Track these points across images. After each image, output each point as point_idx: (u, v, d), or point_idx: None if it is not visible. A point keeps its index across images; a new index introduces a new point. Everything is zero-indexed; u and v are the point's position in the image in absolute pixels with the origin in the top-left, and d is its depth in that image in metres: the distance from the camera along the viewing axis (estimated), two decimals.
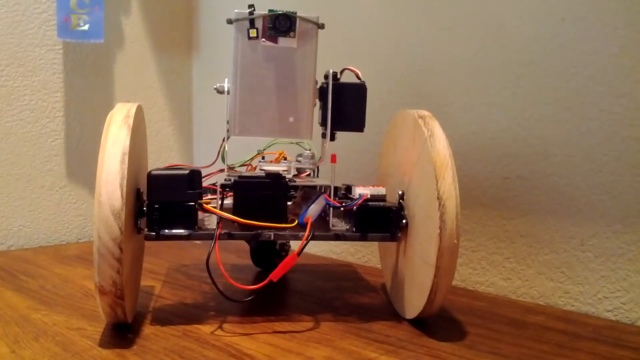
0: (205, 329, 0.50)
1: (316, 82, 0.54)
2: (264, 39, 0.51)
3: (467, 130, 0.70)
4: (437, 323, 0.53)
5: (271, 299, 0.61)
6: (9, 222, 0.87)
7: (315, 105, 0.54)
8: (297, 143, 0.62)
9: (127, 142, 0.46)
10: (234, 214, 0.51)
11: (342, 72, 0.55)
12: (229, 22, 0.51)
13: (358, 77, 0.55)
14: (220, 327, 0.51)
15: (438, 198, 0.46)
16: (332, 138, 0.54)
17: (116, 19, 0.98)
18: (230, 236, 0.50)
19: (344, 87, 0.54)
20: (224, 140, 0.54)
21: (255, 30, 0.51)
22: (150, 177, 0.49)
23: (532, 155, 0.64)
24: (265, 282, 0.48)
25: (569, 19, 0.61)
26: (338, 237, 0.52)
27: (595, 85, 0.59)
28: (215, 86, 0.53)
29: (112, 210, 0.43)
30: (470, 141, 0.69)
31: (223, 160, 0.55)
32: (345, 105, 0.54)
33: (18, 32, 0.86)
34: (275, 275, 0.49)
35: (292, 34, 0.51)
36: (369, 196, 0.53)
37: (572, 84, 0.61)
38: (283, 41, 0.51)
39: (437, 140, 0.49)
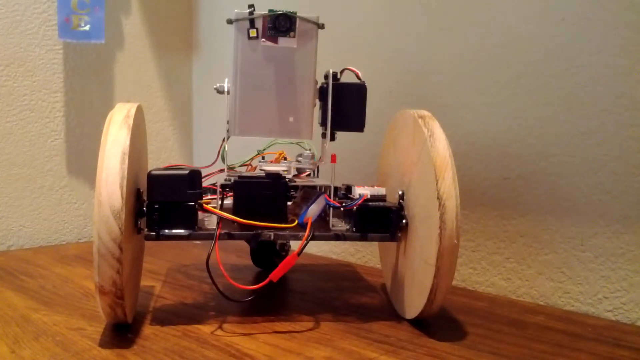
0: (205, 329, 0.50)
1: (316, 82, 0.54)
2: (264, 39, 0.51)
3: (467, 130, 0.70)
4: (437, 323, 0.53)
5: (271, 299, 0.61)
6: (9, 222, 0.87)
7: (315, 105, 0.54)
8: (297, 143, 0.62)
9: (127, 142, 0.46)
10: (234, 214, 0.51)
11: (342, 72, 0.55)
12: (229, 22, 0.51)
13: (358, 77, 0.55)
14: (220, 327, 0.51)
15: (438, 198, 0.46)
16: (332, 138, 0.54)
17: (116, 19, 0.98)
18: (230, 236, 0.50)
19: (344, 87, 0.54)
20: (224, 140, 0.54)
21: (255, 30, 0.51)
22: (150, 177, 0.49)
23: (532, 155, 0.64)
24: (265, 282, 0.48)
25: (569, 19, 0.61)
26: (338, 237, 0.52)
27: (595, 85, 0.59)
28: (215, 86, 0.53)
29: (112, 210, 0.43)
30: (470, 141, 0.69)
31: (223, 160, 0.55)
32: (345, 106, 0.54)
33: (18, 32, 0.86)
34: (275, 275, 0.49)
35: (292, 34, 0.51)
36: (368, 196, 0.53)
37: (572, 84, 0.61)
38: (283, 41, 0.51)
39: (437, 140, 0.49)
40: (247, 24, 0.51)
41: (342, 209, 0.54)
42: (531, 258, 0.65)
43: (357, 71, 0.55)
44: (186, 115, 1.11)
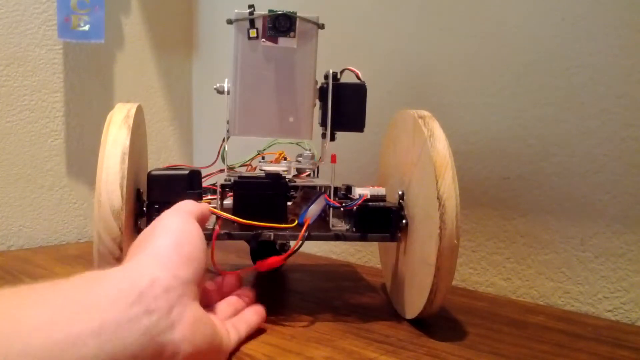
0: None
1: (316, 82, 0.54)
2: (263, 39, 0.51)
3: (467, 130, 0.70)
4: (437, 323, 0.53)
5: (271, 299, 0.61)
6: (9, 222, 0.87)
7: (315, 105, 0.54)
8: (297, 143, 0.62)
9: (127, 142, 0.46)
10: (233, 214, 0.51)
11: (342, 72, 0.55)
12: (229, 22, 0.51)
13: (358, 78, 0.55)
14: None
15: (438, 198, 0.46)
16: (332, 138, 0.54)
17: (116, 19, 0.98)
18: (229, 236, 0.51)
19: (344, 87, 0.54)
20: (224, 140, 0.54)
21: (255, 30, 0.51)
22: (150, 177, 0.49)
23: (532, 155, 0.64)
24: (251, 268, 0.51)
25: (569, 19, 0.61)
26: (338, 237, 0.52)
27: (595, 85, 0.59)
28: (215, 86, 0.53)
29: (112, 210, 0.43)
30: (470, 141, 0.69)
31: (223, 160, 0.55)
32: (345, 106, 0.54)
33: (18, 32, 0.86)
34: (261, 265, 0.50)
35: (292, 34, 0.51)
36: (368, 196, 0.53)
37: (572, 84, 0.61)
38: (283, 41, 0.51)
39: (437, 141, 0.49)
40: (247, 24, 0.51)
41: (342, 209, 0.54)
42: (531, 258, 0.65)
43: (357, 71, 0.55)
44: (186, 115, 1.11)
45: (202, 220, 0.45)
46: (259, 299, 0.52)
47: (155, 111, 1.06)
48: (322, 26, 0.52)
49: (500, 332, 0.52)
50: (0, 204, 0.86)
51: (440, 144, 0.48)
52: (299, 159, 0.61)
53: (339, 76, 0.54)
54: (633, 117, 0.57)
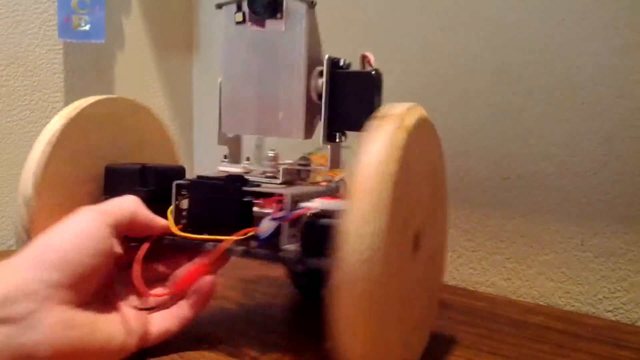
0: (204, 328, 0.50)
1: (310, 72, 0.47)
2: (250, 22, 0.46)
3: (467, 130, 0.69)
4: (437, 323, 0.53)
5: (270, 299, 0.61)
6: (9, 222, 0.87)
7: (312, 99, 0.48)
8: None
9: (56, 133, 0.46)
10: (187, 218, 0.45)
11: (362, 58, 0.47)
12: (218, 7, 0.47)
13: (370, 64, 0.46)
14: (218, 327, 0.51)
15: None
16: (330, 139, 0.46)
17: (116, 19, 0.98)
18: (172, 242, 0.45)
19: (347, 77, 0.45)
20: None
21: (241, 14, 0.46)
22: (105, 170, 0.49)
23: (532, 155, 0.64)
24: (167, 293, 0.44)
25: (569, 19, 0.61)
26: (274, 257, 0.41)
27: (595, 85, 0.59)
28: (219, 80, 0.50)
29: (23, 198, 0.45)
30: (470, 141, 0.69)
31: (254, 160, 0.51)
32: (347, 100, 0.45)
33: (18, 32, 0.86)
34: (178, 286, 0.44)
35: (279, 15, 0.45)
36: (317, 210, 0.40)
37: (572, 84, 0.61)
38: (270, 24, 0.45)
39: (361, 164, 0.32)
40: (234, 8, 0.46)
41: (279, 222, 0.41)
42: (531, 258, 0.65)
43: (370, 56, 0.46)
44: (186, 115, 1.11)
45: (128, 224, 0.42)
46: (259, 301, 0.52)
47: (155, 111, 1.06)
48: (312, 4, 0.45)
49: (500, 332, 0.52)
50: (0, 204, 0.86)
51: (369, 158, 0.32)
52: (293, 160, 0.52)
53: (344, 63, 0.47)
54: (633, 117, 0.57)
